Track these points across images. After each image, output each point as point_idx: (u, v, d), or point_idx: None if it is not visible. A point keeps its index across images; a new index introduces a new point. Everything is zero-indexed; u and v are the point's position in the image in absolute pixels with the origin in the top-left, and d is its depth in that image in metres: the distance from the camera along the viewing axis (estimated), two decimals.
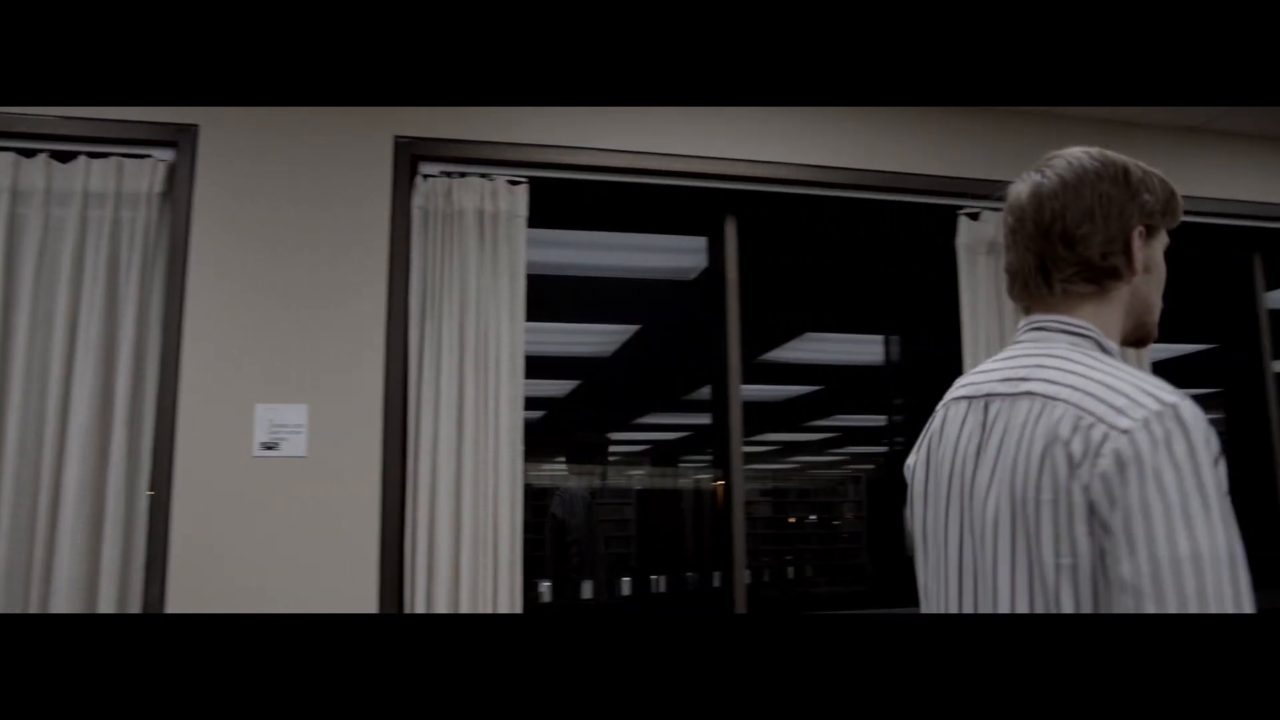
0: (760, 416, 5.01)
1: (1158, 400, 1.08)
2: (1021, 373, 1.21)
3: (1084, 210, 1.23)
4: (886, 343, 4.08)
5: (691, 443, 4.20)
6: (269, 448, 2.62)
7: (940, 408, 1.34)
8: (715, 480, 3.23)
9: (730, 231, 3.17)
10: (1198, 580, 1.00)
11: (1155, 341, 1.34)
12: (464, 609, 2.63)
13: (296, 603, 2.58)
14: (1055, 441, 1.12)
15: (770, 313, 3.97)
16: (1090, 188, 1.24)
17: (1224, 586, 0.99)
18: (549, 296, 3.73)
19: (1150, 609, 1.00)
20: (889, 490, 4.47)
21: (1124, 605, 1.03)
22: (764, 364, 4.45)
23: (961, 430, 1.26)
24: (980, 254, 3.22)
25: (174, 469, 2.56)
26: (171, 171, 2.68)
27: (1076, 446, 1.09)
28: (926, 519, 1.31)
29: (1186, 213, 3.48)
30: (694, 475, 4.24)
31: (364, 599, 2.62)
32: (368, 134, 2.80)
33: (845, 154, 3.18)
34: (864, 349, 4.40)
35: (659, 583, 4.37)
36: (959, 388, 1.32)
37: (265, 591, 2.57)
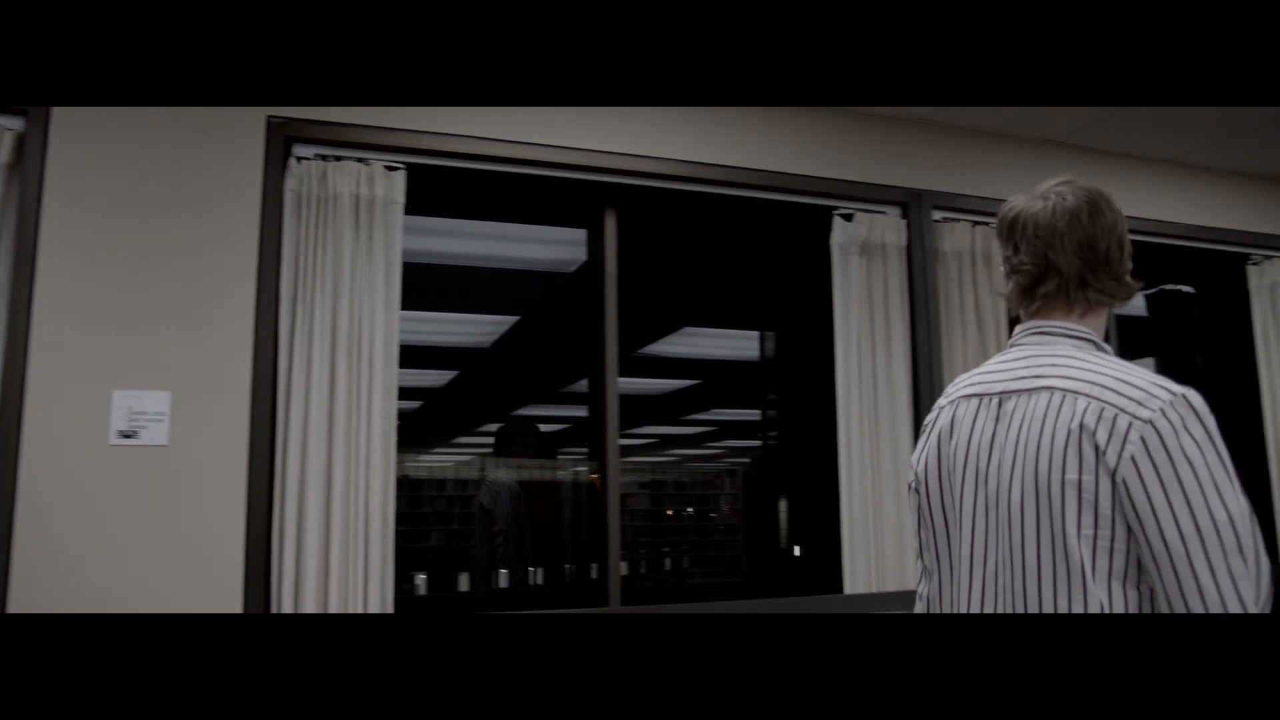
0: (638, 409, 5.04)
1: (1168, 391, 1.27)
2: (1036, 370, 1.37)
3: (1117, 236, 1.44)
4: (762, 338, 4.16)
5: (570, 435, 4.20)
6: (127, 436, 2.50)
7: (946, 405, 1.48)
8: (593, 473, 3.24)
9: (610, 224, 3.18)
10: (1237, 539, 1.20)
11: None
12: (334, 604, 2.57)
13: (155, 601, 2.47)
14: (1081, 430, 1.27)
15: (649, 306, 3.99)
16: (1113, 215, 1.45)
17: (1254, 539, 1.21)
18: (427, 285, 3.67)
19: (1200, 567, 1.18)
20: (763, 483, 4.57)
21: (1165, 567, 1.20)
22: (643, 357, 4.47)
23: (974, 425, 1.41)
24: (853, 254, 3.31)
25: (20, 458, 2.42)
26: (20, 141, 2.53)
27: (1102, 434, 1.25)
28: (944, 504, 1.44)
29: None
30: (572, 468, 4.24)
31: (228, 596, 2.53)
32: (239, 111, 2.70)
33: (724, 152, 3.22)
34: (740, 344, 4.48)
35: (537, 574, 4.36)
36: (965, 387, 1.47)
37: (120, 589, 2.45)
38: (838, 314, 3.30)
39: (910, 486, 1.52)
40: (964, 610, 1.40)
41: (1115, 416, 1.26)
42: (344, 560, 2.61)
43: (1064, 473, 1.27)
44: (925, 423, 1.54)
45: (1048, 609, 1.28)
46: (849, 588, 3.17)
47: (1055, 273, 1.42)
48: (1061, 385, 1.32)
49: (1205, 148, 3.87)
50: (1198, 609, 1.19)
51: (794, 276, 3.88)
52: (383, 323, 2.74)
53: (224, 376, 2.59)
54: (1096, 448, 1.25)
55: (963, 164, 3.57)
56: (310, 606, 2.54)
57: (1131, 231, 4.06)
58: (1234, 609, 1.18)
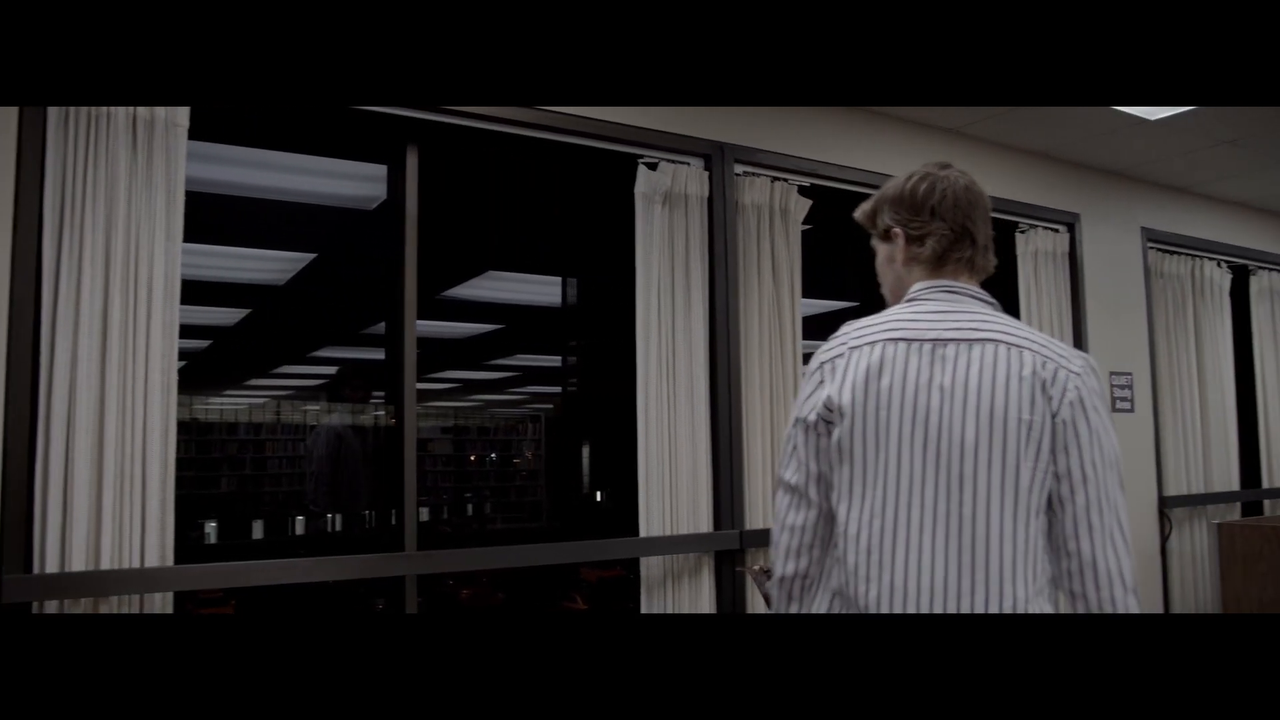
0: (441, 353, 4.97)
1: (1080, 353, 1.60)
2: (970, 323, 1.60)
3: (987, 209, 1.72)
4: (564, 285, 4.18)
5: (369, 378, 4.10)
6: None
7: (864, 345, 1.62)
8: (390, 417, 3.18)
9: (411, 161, 3.08)
10: (1119, 470, 1.56)
11: None
12: (106, 555, 2.41)
13: None
14: (1035, 377, 1.54)
15: (452, 248, 3.93)
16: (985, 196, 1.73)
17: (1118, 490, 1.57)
18: (215, 217, 3.47)
19: (1111, 485, 1.54)
20: (566, 429, 4.62)
21: (1080, 489, 1.53)
22: (446, 300, 4.41)
23: (908, 366, 1.57)
24: (656, 203, 3.36)
25: None
26: None
27: (1048, 382, 1.54)
28: (874, 436, 1.57)
29: (853, 184, 3.83)
30: (372, 411, 4.14)
31: None
32: None
33: None
34: (543, 290, 4.48)
35: (335, 520, 4.25)
36: (883, 331, 1.62)
37: None
38: (639, 262, 3.35)
39: (808, 420, 1.65)
40: (889, 530, 1.55)
41: (1056, 369, 1.55)
42: (117, 509, 2.45)
43: (1020, 413, 1.52)
44: (826, 362, 1.66)
45: (995, 531, 1.51)
46: (644, 531, 3.26)
47: (970, 241, 1.67)
48: (1005, 339, 1.57)
49: (983, 120, 4.15)
50: (1110, 521, 1.53)
51: (597, 223, 3.91)
52: (163, 254, 2.57)
53: None
54: (1046, 394, 1.53)
55: (765, 120, 3.68)
56: (79, 559, 2.38)
57: None
58: (1124, 514, 1.55)
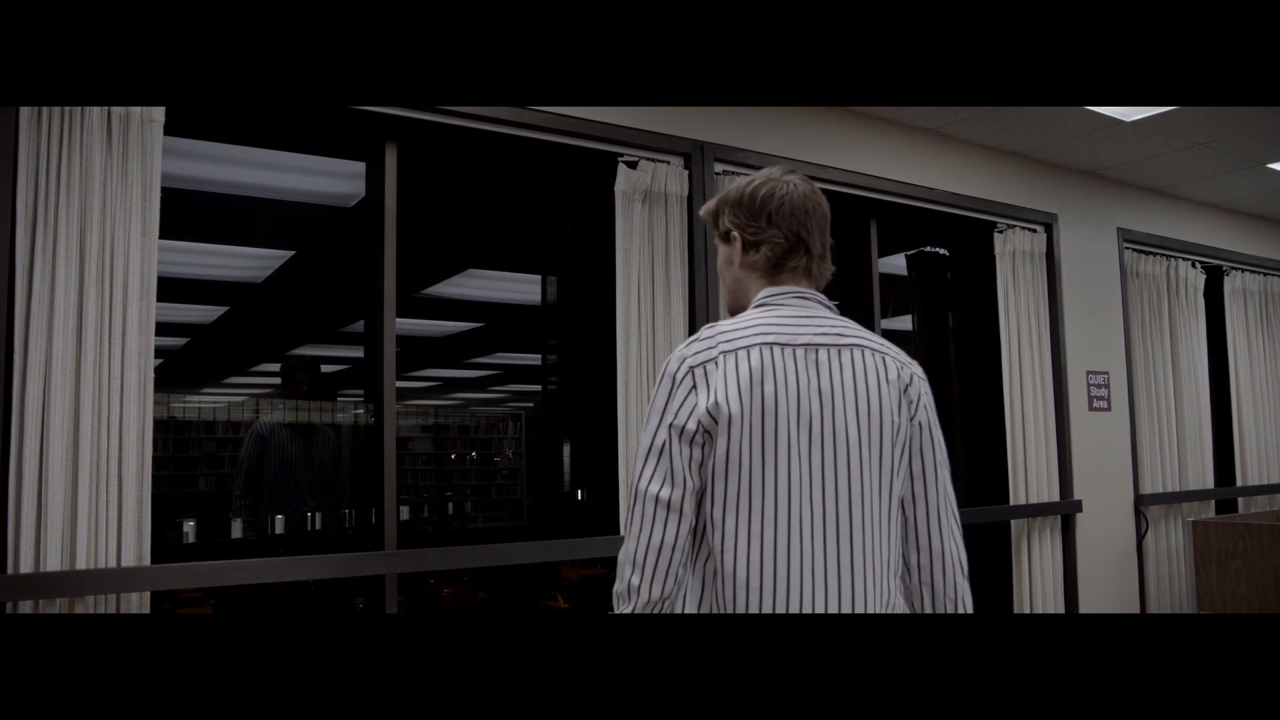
0: (421, 352, 4.95)
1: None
2: (835, 328, 1.62)
3: (826, 217, 1.73)
4: (544, 283, 4.17)
5: (349, 376, 4.08)
6: None
7: (738, 350, 1.56)
8: (370, 415, 3.17)
9: (390, 158, 3.07)
10: (950, 492, 1.68)
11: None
12: (82, 555, 2.39)
13: None
14: (895, 381, 1.60)
15: (432, 246, 3.91)
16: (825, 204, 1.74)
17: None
18: (192, 214, 3.44)
19: (943, 486, 1.65)
20: (547, 428, 4.61)
21: (933, 488, 1.64)
22: (425, 298, 4.39)
23: (791, 371, 1.55)
24: (636, 201, 3.37)
25: None
26: None
27: (907, 385, 1.62)
28: (760, 442, 1.53)
29: (833, 184, 3.84)
30: (352, 410, 4.12)
31: None
32: None
33: None
34: (523, 288, 4.47)
35: (315, 519, 4.23)
36: (755, 335, 1.58)
37: None
38: (619, 260, 3.35)
39: (686, 428, 1.54)
40: (784, 540, 1.51)
41: (911, 374, 1.64)
42: (93, 508, 2.43)
43: (891, 416, 1.58)
44: (697, 366, 1.57)
45: (875, 533, 1.55)
46: (623, 529, 3.26)
47: (804, 249, 1.67)
48: (867, 344, 1.62)
49: (962, 120, 4.17)
50: (953, 517, 1.65)
51: (577, 222, 3.90)
52: (139, 250, 2.55)
53: None
54: (906, 397, 1.61)
55: (745, 120, 3.69)
56: (55, 559, 2.36)
57: (892, 195, 4.30)
58: (955, 541, 1.65)
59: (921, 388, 1.64)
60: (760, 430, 1.52)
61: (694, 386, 1.56)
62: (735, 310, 1.74)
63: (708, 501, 1.55)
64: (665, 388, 1.58)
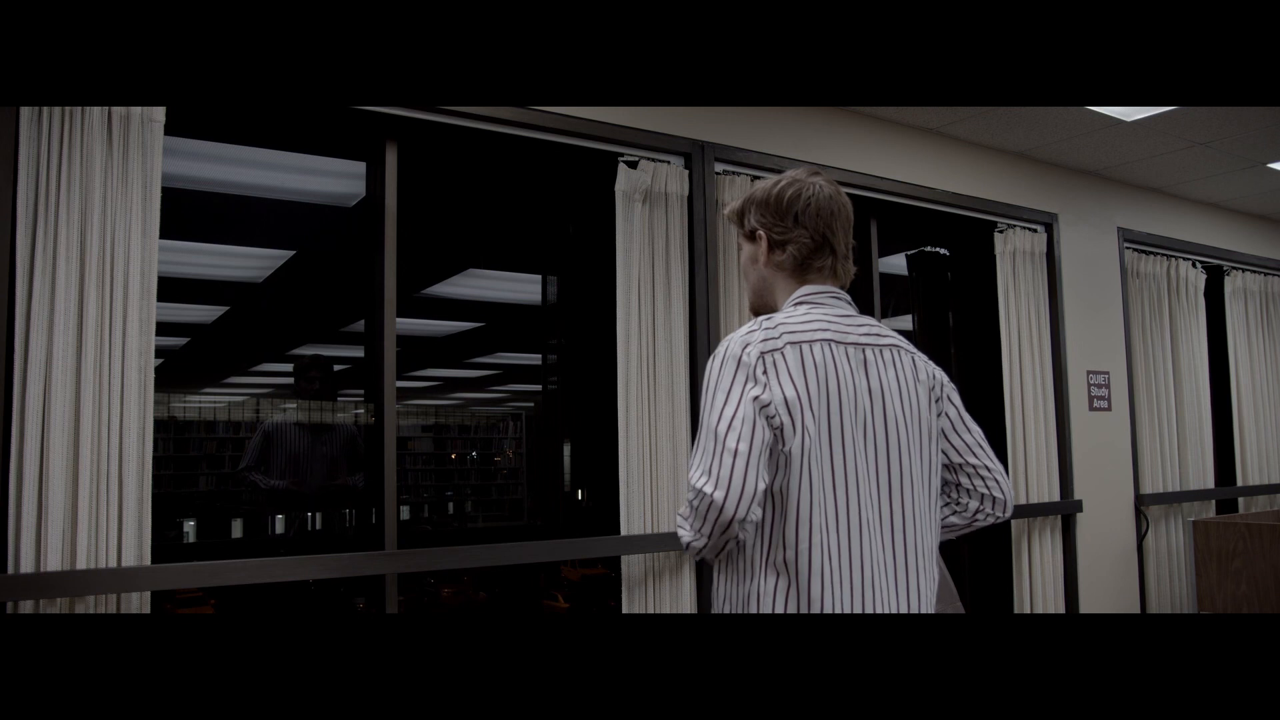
0: (421, 351, 4.95)
1: None
2: (873, 329, 1.68)
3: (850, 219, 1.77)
4: (545, 283, 4.17)
5: (350, 376, 4.08)
6: None
7: (805, 345, 1.59)
8: (371, 415, 3.17)
9: (390, 158, 3.07)
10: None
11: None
12: (82, 554, 2.39)
13: None
14: (925, 381, 1.69)
15: (432, 246, 3.91)
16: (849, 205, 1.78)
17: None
18: (193, 214, 3.44)
19: (991, 457, 1.79)
20: (547, 427, 4.61)
21: (974, 453, 1.77)
22: (426, 298, 4.39)
23: (845, 367, 1.60)
24: (637, 201, 3.37)
25: None
26: None
27: (935, 386, 1.71)
28: (828, 434, 1.57)
29: None
30: (353, 409, 4.12)
31: None
32: None
33: None
34: (524, 288, 4.48)
35: (315, 519, 4.23)
36: (813, 332, 1.61)
37: None
38: (620, 260, 3.35)
39: (764, 401, 1.52)
40: (854, 533, 1.56)
41: (934, 372, 1.72)
42: (94, 508, 2.43)
43: (927, 414, 1.67)
44: (767, 353, 1.56)
45: (924, 526, 1.63)
46: (625, 529, 3.26)
47: (830, 250, 1.71)
48: (899, 345, 1.69)
49: (963, 120, 4.17)
50: (990, 465, 1.78)
51: (578, 221, 3.90)
52: (140, 250, 2.55)
53: None
54: (934, 396, 1.70)
55: (746, 120, 3.69)
56: (55, 558, 2.36)
57: (893, 194, 4.30)
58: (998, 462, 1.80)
59: (948, 388, 1.75)
60: (828, 424, 1.57)
61: (765, 371, 1.55)
62: (759, 309, 1.77)
63: (781, 493, 1.54)
64: (730, 369, 1.56)
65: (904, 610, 1.60)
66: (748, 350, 1.57)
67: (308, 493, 3.96)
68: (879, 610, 1.57)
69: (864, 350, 1.64)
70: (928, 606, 1.64)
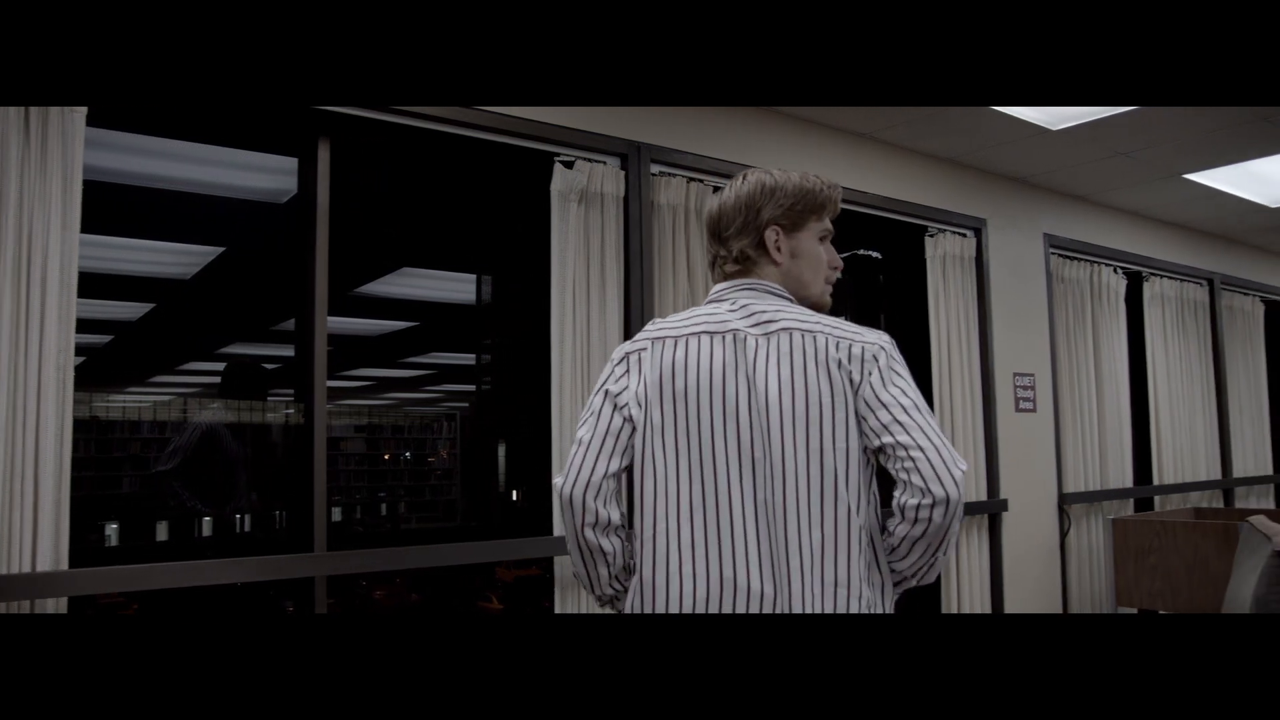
0: (354, 351, 4.89)
1: (877, 331, 1.65)
2: (763, 316, 1.65)
3: (730, 218, 1.76)
4: (479, 282, 4.15)
5: (281, 375, 4.01)
6: None
7: (668, 341, 1.67)
8: (301, 415, 3.12)
9: (323, 154, 3.03)
10: (928, 414, 1.57)
11: (828, 309, 1.78)
12: None
13: None
14: (830, 358, 1.59)
15: (366, 244, 3.86)
16: (737, 201, 1.75)
17: (931, 414, 1.59)
18: (117, 207, 3.36)
19: (915, 431, 1.54)
20: (482, 428, 4.58)
21: (901, 427, 1.54)
22: (359, 297, 4.34)
23: (713, 357, 1.62)
24: (572, 201, 3.36)
25: None
26: None
27: (843, 359, 1.59)
28: (689, 432, 1.61)
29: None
30: (284, 409, 4.05)
31: None
32: None
33: None
34: (458, 287, 4.44)
35: (244, 521, 4.14)
36: (685, 326, 1.67)
37: None
38: (554, 261, 3.34)
39: (615, 394, 1.66)
40: (707, 518, 1.58)
41: (850, 344, 1.60)
42: (6, 511, 2.35)
43: (820, 395, 1.57)
44: (631, 353, 1.70)
45: (803, 514, 1.55)
46: (558, 530, 3.26)
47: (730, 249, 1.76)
48: (798, 326, 1.62)
49: (895, 126, 4.24)
50: (914, 442, 1.52)
51: (513, 221, 3.89)
52: (59, 244, 2.47)
53: None
54: (842, 366, 1.58)
55: (681, 121, 3.70)
56: None
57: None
58: (936, 437, 1.54)
59: (869, 352, 1.59)
60: (684, 414, 1.61)
61: (628, 369, 1.68)
62: (803, 300, 1.75)
63: (635, 487, 1.65)
64: (605, 372, 1.72)
65: (771, 609, 1.53)
66: (617, 351, 1.73)
67: (226, 516, 3.88)
68: (737, 607, 1.54)
69: (740, 336, 1.63)
70: (811, 603, 1.53)
